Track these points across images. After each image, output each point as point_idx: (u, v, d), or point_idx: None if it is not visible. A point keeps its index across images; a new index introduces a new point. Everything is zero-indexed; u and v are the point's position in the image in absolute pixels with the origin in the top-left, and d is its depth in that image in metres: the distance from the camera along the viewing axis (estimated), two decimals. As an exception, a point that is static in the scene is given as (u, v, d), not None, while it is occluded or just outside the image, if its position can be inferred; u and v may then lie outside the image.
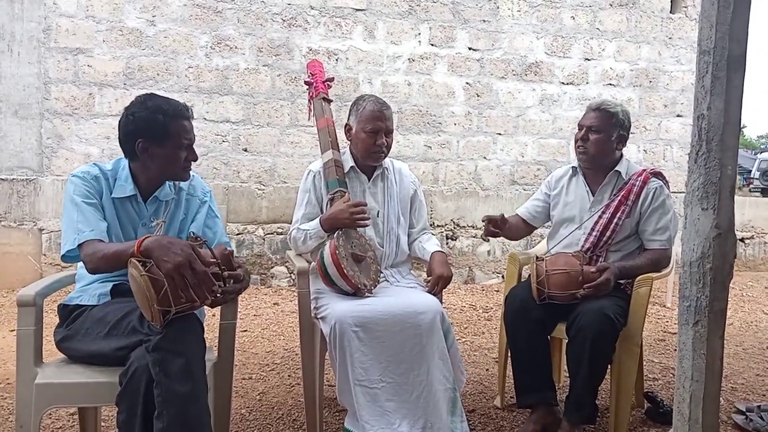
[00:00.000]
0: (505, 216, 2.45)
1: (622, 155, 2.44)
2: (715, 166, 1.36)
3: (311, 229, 2.23)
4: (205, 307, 1.87)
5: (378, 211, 2.36)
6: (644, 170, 2.39)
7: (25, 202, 4.65)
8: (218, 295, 1.62)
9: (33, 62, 4.59)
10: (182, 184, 1.97)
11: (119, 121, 1.84)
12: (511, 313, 2.31)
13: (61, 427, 2.30)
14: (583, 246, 2.36)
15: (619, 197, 2.34)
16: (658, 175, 2.40)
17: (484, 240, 2.44)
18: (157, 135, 1.78)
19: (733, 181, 1.40)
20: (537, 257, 2.30)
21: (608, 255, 2.36)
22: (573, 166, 2.53)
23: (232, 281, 1.73)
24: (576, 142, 2.42)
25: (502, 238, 2.51)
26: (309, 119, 2.56)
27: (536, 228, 2.70)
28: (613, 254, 2.36)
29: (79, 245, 1.69)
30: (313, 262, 2.23)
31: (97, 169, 1.84)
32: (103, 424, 2.19)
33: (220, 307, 1.85)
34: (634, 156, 5.69)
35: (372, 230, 2.33)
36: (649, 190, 2.34)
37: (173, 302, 1.51)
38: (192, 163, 1.89)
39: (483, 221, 2.41)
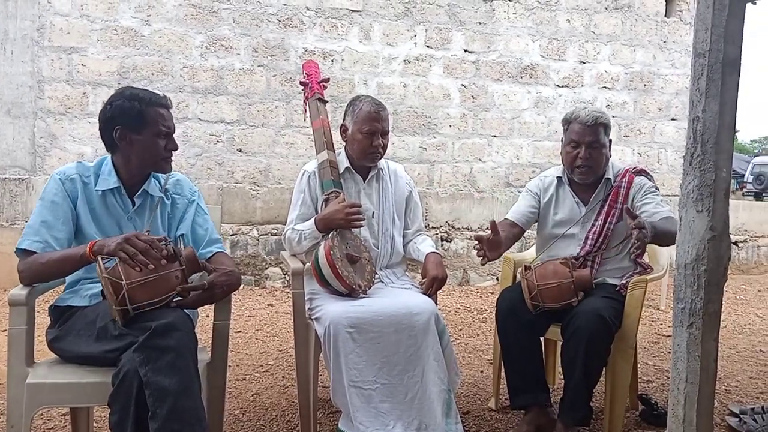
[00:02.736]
0: (496, 223, 2.13)
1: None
2: (710, 169, 1.36)
3: (306, 230, 2.22)
4: (198, 309, 1.87)
5: (373, 212, 2.35)
6: (627, 170, 2.39)
7: (18, 201, 4.62)
8: (177, 286, 1.64)
9: (26, 61, 4.56)
10: (169, 184, 1.94)
11: (99, 113, 1.84)
12: (502, 314, 2.30)
13: (52, 428, 2.28)
14: (578, 254, 2.34)
15: (608, 202, 2.35)
16: (641, 173, 2.40)
17: (482, 264, 2.21)
18: (133, 122, 1.78)
19: (727, 184, 1.40)
20: (525, 267, 2.27)
21: (602, 262, 2.36)
22: (558, 177, 2.46)
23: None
24: (573, 159, 2.32)
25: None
26: (305, 120, 2.55)
27: (524, 231, 2.52)
28: (606, 261, 2.35)
29: (21, 250, 1.74)
30: (307, 263, 2.22)
31: (75, 170, 1.85)
32: (95, 424, 2.17)
33: (213, 307, 1.84)
34: (629, 159, 5.71)
35: (367, 231, 2.32)
36: (635, 187, 2.34)
37: (124, 276, 1.57)
38: (173, 153, 1.87)
39: (475, 248, 2.15)
